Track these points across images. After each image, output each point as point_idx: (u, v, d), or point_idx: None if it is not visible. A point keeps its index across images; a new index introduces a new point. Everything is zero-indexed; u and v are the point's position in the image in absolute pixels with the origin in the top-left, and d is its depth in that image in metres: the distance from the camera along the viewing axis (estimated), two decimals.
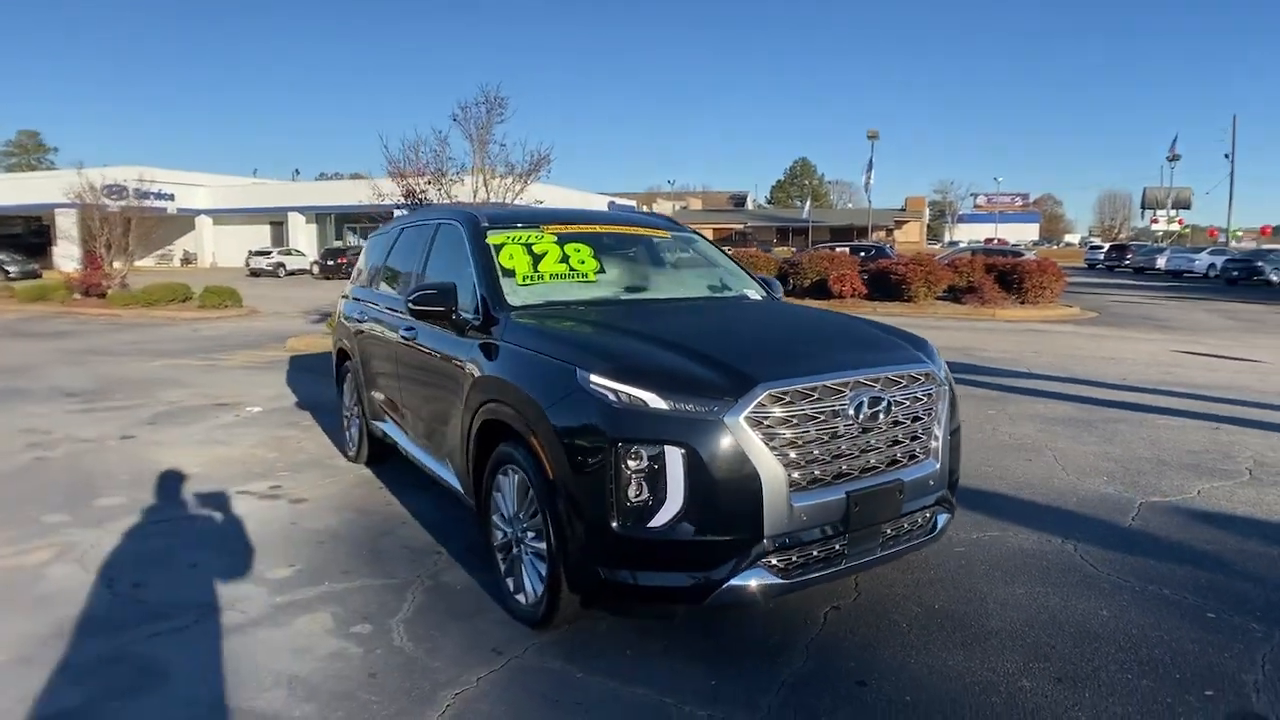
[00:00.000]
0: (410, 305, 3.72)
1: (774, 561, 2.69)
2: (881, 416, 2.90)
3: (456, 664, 2.88)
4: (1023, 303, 18.58)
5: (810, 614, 3.21)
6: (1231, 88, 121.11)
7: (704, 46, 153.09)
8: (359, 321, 5.25)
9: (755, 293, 4.46)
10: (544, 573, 2.99)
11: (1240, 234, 64.99)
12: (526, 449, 3.00)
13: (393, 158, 12.79)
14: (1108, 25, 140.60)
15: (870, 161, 36.40)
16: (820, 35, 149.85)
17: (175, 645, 3.04)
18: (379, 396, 4.97)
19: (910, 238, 67.54)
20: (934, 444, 3.12)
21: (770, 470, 2.64)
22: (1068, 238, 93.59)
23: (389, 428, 4.90)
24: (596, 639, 3.03)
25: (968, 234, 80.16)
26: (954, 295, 19.18)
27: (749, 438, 2.64)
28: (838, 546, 2.82)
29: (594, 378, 2.79)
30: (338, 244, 40.90)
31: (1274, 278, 27.80)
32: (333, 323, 6.11)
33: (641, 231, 4.65)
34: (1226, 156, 47.22)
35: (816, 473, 2.75)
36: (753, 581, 2.67)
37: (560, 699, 2.64)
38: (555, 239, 4.14)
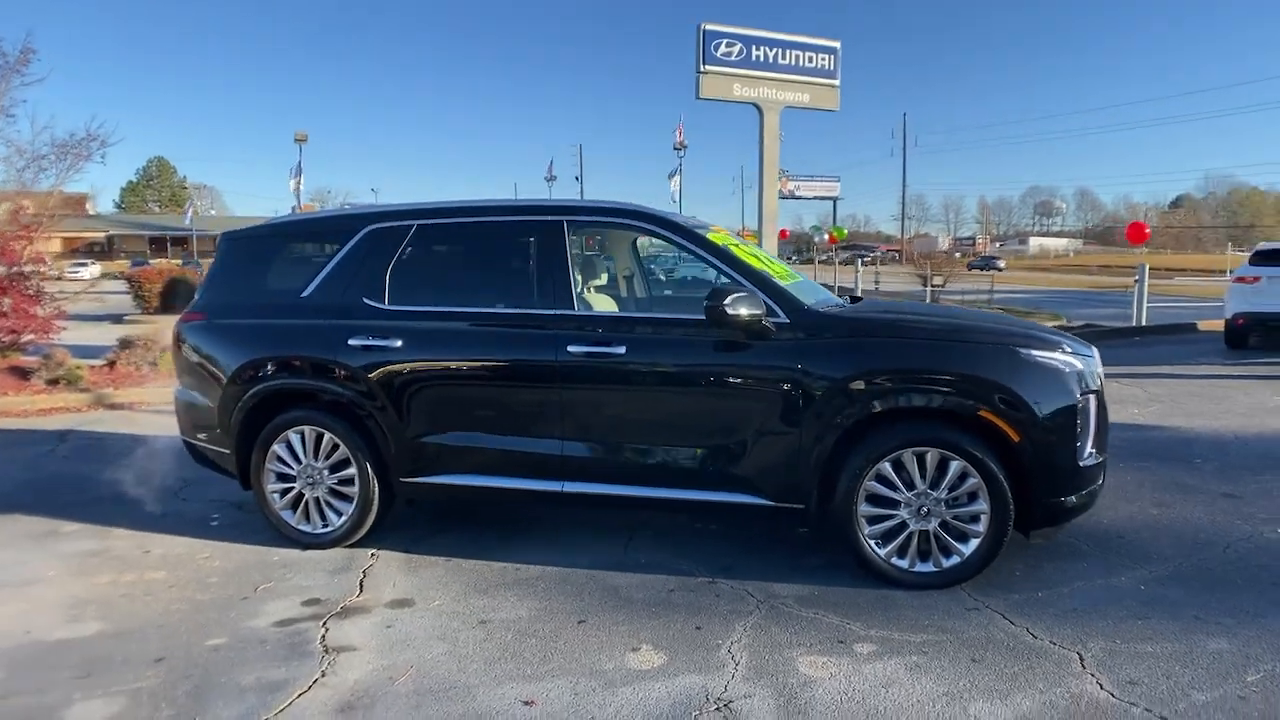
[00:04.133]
0: (726, 311, 3.34)
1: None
2: None
3: (966, 624, 3.07)
4: None
5: None
6: (599, 116, 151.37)
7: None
8: (379, 351, 3.83)
9: None
10: (982, 528, 3.35)
11: None
12: (974, 426, 3.32)
13: None
14: (473, 52, 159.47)
15: (299, 165, 34.52)
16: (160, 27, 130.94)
17: None
18: (458, 444, 3.82)
19: None
20: None
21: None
22: None
23: (473, 479, 3.83)
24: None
25: None
26: None
27: (1101, 383, 3.63)
28: None
29: (1037, 353, 3.36)
30: None
31: (662, 277, 37.66)
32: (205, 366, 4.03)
33: None
34: (577, 179, 60.28)
35: None
36: (1103, 482, 3.69)
37: (1098, 609, 3.20)
38: (735, 239, 4.10)
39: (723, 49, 17.92)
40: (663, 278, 12.48)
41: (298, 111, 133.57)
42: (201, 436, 4.31)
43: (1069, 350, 3.46)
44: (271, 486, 4.08)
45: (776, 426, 3.47)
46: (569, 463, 3.73)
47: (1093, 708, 2.55)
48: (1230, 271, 15.74)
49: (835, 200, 59.77)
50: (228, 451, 4.16)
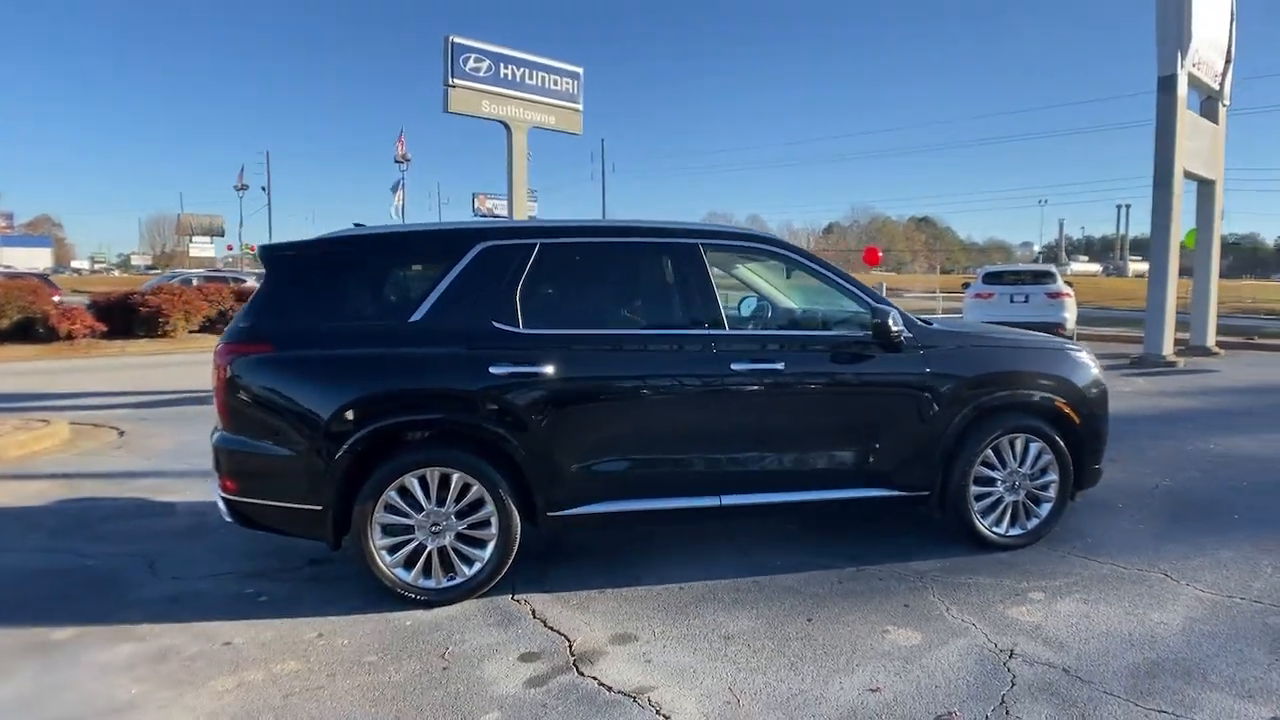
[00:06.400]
0: (891, 327, 3.82)
1: None
2: None
3: (1073, 567, 3.90)
4: None
5: None
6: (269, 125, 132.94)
7: None
8: (527, 378, 3.57)
9: None
10: (1052, 495, 4.22)
11: None
12: (1051, 415, 4.18)
13: None
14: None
15: None
16: None
17: None
18: (617, 470, 3.72)
19: None
20: None
21: None
22: (74, 263, 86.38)
23: (631, 503, 3.77)
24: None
25: None
26: (212, 327, 17.87)
27: None
28: None
29: (1077, 354, 4.36)
30: None
31: None
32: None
33: None
34: (264, 189, 54.25)
35: None
36: None
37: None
38: None
39: (471, 63, 17.77)
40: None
41: None
42: (269, 493, 3.55)
43: (1086, 350, 4.55)
44: (380, 542, 3.54)
45: (913, 426, 4.02)
46: (728, 477, 3.87)
47: (1214, 604, 3.51)
48: (946, 288, 19.89)
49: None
50: (319, 508, 3.51)
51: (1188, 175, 11.84)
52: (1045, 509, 4.27)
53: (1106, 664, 3.00)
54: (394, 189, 35.63)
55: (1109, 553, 4.16)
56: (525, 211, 22.79)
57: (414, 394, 3.55)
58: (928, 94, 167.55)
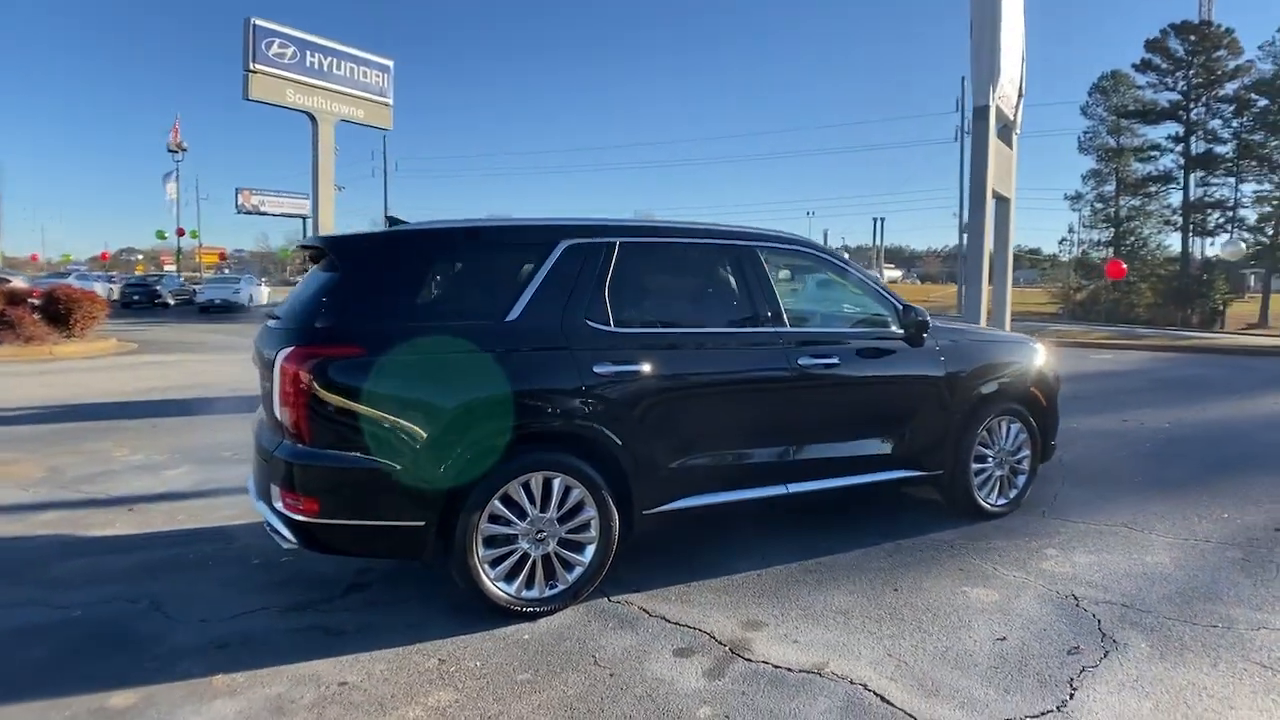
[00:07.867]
0: (927, 324, 4.28)
1: None
2: None
3: (1060, 528, 4.59)
4: (69, 336, 16.05)
5: None
6: None
7: None
8: (628, 377, 3.55)
9: None
10: (1027, 468, 4.90)
11: (72, 258, 62.30)
12: (1026, 399, 4.83)
13: None
14: None
15: None
16: None
17: None
18: (705, 464, 3.79)
19: None
20: None
21: None
22: None
23: (714, 497, 3.86)
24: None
25: None
26: None
27: None
28: None
29: (1037, 345, 5.09)
30: None
31: (170, 300, 30.94)
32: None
33: None
34: None
35: None
36: None
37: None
38: None
39: (275, 49, 16.60)
40: None
41: None
42: (363, 512, 3.19)
43: (1043, 343, 5.34)
44: (484, 554, 3.33)
45: (935, 412, 4.49)
46: (794, 466, 4.08)
47: (1182, 547, 4.30)
48: None
49: (305, 219, 57.17)
50: (420, 524, 3.22)
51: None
52: (1021, 480, 4.96)
53: (1148, 597, 3.62)
54: (166, 179, 31.52)
55: (1074, 514, 4.92)
56: (331, 206, 21.17)
57: (526, 396, 3.37)
58: (712, 110, 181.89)
